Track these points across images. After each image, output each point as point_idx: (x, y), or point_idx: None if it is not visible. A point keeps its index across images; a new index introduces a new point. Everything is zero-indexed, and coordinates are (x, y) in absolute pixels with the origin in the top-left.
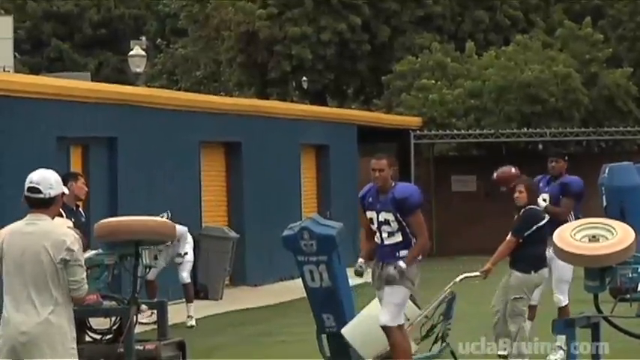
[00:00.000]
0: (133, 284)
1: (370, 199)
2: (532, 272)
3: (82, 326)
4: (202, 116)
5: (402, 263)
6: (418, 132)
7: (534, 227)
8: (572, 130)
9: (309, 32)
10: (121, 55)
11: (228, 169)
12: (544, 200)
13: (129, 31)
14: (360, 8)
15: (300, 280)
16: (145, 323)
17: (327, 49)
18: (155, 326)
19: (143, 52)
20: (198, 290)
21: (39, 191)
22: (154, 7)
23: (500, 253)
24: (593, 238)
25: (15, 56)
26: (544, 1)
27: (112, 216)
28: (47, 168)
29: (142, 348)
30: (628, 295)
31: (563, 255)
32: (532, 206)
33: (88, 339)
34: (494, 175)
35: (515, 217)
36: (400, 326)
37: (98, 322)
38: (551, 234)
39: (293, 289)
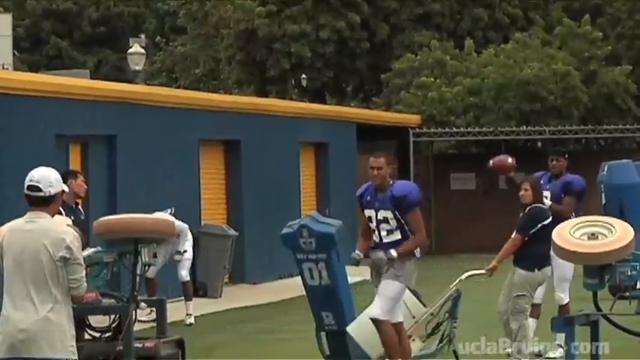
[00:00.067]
0: (132, 282)
1: (368, 198)
2: (535, 270)
3: (81, 324)
4: (201, 114)
5: (393, 251)
6: (417, 130)
7: (539, 225)
8: (571, 127)
9: (308, 30)
10: (120, 52)
11: (228, 166)
12: (545, 198)
13: (128, 29)
14: (359, 6)
15: (299, 277)
16: (144, 321)
17: (326, 47)
18: (154, 324)
19: (142, 50)
20: (197, 288)
21: (39, 189)
22: (153, 4)
23: (506, 250)
24: (593, 236)
25: (14, 54)
26: None
27: (111, 214)
28: (46, 166)
29: (141, 346)
30: (627, 293)
31: (563, 253)
32: (537, 204)
33: (87, 337)
34: (490, 162)
35: (521, 214)
36: (396, 324)
37: (97, 320)
38: None
39: (292, 287)
